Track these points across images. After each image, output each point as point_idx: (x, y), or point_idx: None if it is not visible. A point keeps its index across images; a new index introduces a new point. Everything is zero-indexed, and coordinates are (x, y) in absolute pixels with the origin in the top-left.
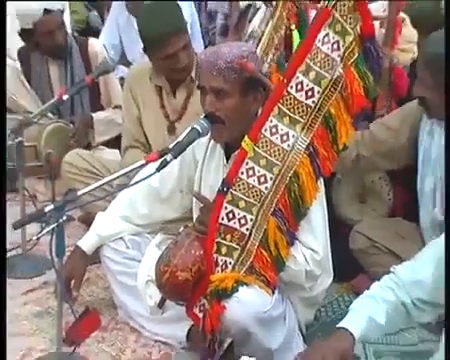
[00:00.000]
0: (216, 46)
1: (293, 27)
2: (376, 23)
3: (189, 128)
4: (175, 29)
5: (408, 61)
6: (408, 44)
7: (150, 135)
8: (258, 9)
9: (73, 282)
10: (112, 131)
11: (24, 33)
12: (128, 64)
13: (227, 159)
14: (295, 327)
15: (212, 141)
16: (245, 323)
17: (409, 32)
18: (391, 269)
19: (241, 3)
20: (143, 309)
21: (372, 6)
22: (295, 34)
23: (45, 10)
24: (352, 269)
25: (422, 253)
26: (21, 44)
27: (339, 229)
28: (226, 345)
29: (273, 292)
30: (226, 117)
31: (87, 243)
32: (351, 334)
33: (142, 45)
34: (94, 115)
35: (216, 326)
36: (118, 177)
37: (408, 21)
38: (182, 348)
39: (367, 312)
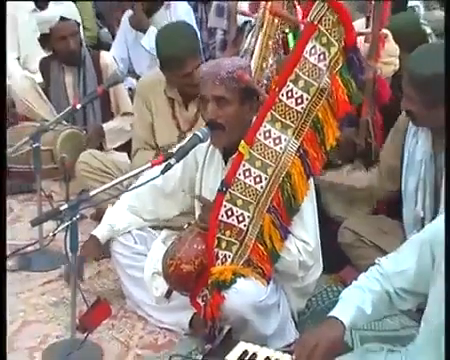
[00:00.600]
0: (217, 59)
1: (287, 30)
2: (361, 38)
3: (191, 134)
4: (192, 51)
5: (390, 73)
6: (390, 58)
7: (161, 142)
8: (254, 25)
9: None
10: (122, 138)
11: (42, 38)
12: (135, 76)
13: (225, 162)
14: (288, 315)
15: (211, 146)
16: (243, 311)
17: (391, 47)
18: (376, 261)
19: (238, 20)
20: (149, 299)
21: (355, 23)
22: (290, 37)
23: (61, 18)
24: (340, 262)
25: (404, 246)
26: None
27: (328, 226)
28: (225, 331)
29: (268, 283)
30: (226, 123)
31: (101, 232)
32: (341, 322)
33: (149, 60)
34: (104, 125)
35: (216, 314)
36: (129, 177)
37: (390, 37)
38: (185, 334)
39: (355, 302)
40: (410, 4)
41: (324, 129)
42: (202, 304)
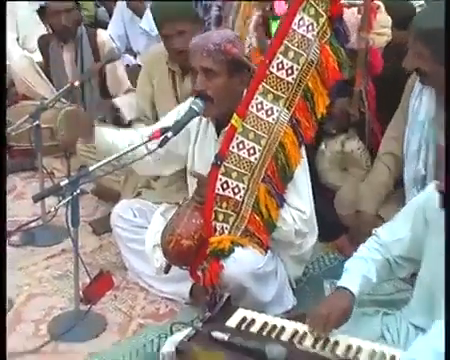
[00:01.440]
0: (207, 32)
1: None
2: (354, 9)
3: (187, 108)
4: (182, 9)
5: (383, 43)
6: (383, 28)
7: (160, 112)
8: None
9: None
10: (134, 112)
11: (40, 11)
12: (132, 53)
13: (218, 134)
14: (286, 282)
15: (204, 119)
16: (241, 279)
17: (384, 18)
18: (373, 231)
19: None
20: (150, 270)
21: None
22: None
23: None
24: (335, 229)
25: (399, 215)
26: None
27: (323, 194)
28: (224, 299)
29: (266, 252)
30: (214, 95)
31: None
32: (351, 292)
33: (146, 39)
34: (116, 100)
35: (215, 282)
36: (125, 153)
37: (383, 8)
38: (186, 303)
39: (361, 271)
40: None
41: (314, 98)
42: (200, 276)
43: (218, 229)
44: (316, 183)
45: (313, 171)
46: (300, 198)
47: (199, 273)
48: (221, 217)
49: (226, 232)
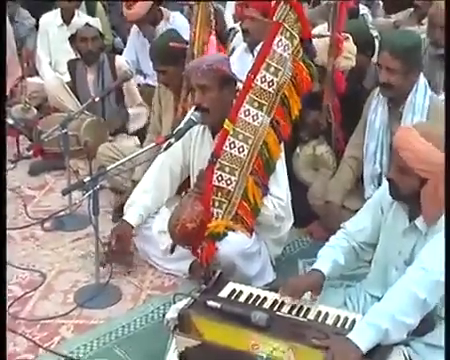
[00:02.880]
0: (201, 57)
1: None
2: (326, 39)
3: (187, 118)
4: (164, 54)
5: (348, 66)
6: (350, 54)
7: (165, 128)
8: (237, 32)
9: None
10: (140, 123)
11: (71, 38)
12: (142, 74)
13: (213, 138)
14: (267, 260)
15: (202, 126)
16: (232, 257)
17: (351, 46)
18: (341, 225)
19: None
20: (157, 252)
21: (318, 27)
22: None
23: (86, 23)
24: (308, 218)
25: (362, 210)
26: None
27: (298, 189)
28: (217, 274)
29: (251, 234)
30: (209, 106)
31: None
32: (321, 272)
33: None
34: (129, 111)
35: (210, 260)
36: (135, 156)
37: (351, 39)
38: (186, 278)
39: (331, 257)
40: (361, 12)
41: (290, 103)
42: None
43: (214, 214)
44: (292, 180)
45: (290, 170)
46: (279, 188)
47: (199, 251)
48: (217, 204)
49: (220, 217)
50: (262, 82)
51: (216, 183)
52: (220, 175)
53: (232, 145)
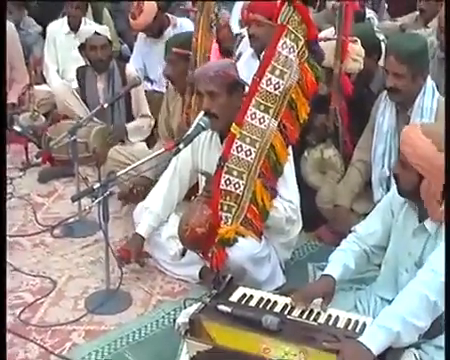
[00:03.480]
0: (209, 62)
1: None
2: (333, 42)
3: (195, 123)
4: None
5: (356, 69)
6: (358, 57)
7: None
8: (243, 37)
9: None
10: (141, 135)
11: (80, 47)
12: (150, 81)
13: (221, 142)
14: (277, 264)
15: (210, 131)
16: (242, 262)
17: (359, 49)
18: (352, 229)
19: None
20: (166, 257)
21: (325, 32)
22: None
23: (95, 32)
24: (316, 222)
25: (372, 213)
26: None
27: (306, 193)
28: (228, 279)
29: (261, 238)
30: (218, 112)
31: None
32: (332, 277)
33: (161, 68)
34: (127, 125)
35: (221, 266)
36: (143, 163)
37: (359, 42)
38: (196, 283)
39: (342, 261)
40: (367, 16)
41: (297, 106)
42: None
43: (223, 218)
44: (300, 184)
45: (298, 174)
46: (289, 191)
47: (210, 254)
48: (226, 208)
49: (229, 221)
50: (268, 85)
51: (224, 187)
52: (228, 179)
53: (239, 148)
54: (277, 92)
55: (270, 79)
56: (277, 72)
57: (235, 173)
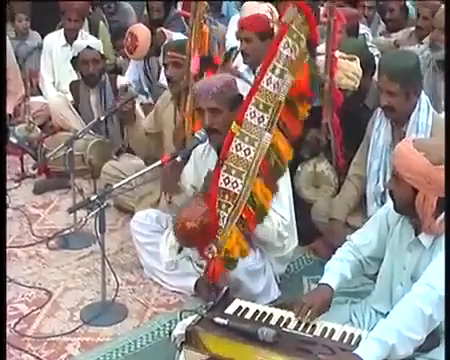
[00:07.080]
0: (207, 78)
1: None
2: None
3: (192, 137)
4: None
5: (351, 87)
6: (354, 75)
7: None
8: (238, 52)
9: None
10: None
11: (73, 60)
12: (145, 93)
13: (218, 154)
14: (272, 277)
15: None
16: (237, 273)
17: (356, 68)
18: (347, 238)
19: (227, 46)
20: (162, 268)
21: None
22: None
23: (87, 46)
24: (311, 235)
25: (368, 223)
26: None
27: (301, 206)
28: (224, 291)
29: (254, 250)
30: (220, 127)
31: None
32: (330, 287)
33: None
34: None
35: (217, 280)
36: (138, 176)
37: (358, 60)
38: (191, 295)
39: (338, 270)
40: (361, 32)
41: (296, 104)
42: (209, 256)
43: (220, 216)
44: (294, 198)
45: (292, 188)
46: (282, 207)
47: (206, 253)
48: (223, 206)
49: (225, 220)
50: (268, 84)
51: (223, 185)
52: (227, 177)
53: (238, 147)
54: (276, 91)
55: (270, 78)
56: (277, 71)
57: (234, 172)
